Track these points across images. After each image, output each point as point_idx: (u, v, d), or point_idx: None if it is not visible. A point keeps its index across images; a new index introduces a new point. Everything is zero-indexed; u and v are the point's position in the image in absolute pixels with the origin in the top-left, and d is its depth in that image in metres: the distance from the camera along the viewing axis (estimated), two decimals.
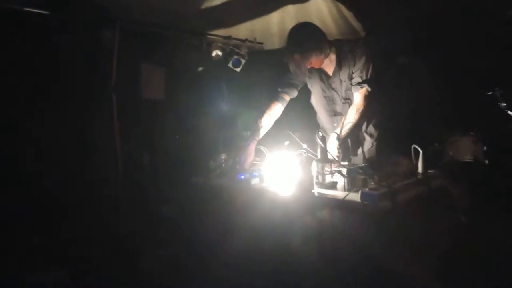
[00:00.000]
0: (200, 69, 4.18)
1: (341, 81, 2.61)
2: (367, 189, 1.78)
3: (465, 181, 3.03)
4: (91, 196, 3.22)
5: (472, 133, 3.28)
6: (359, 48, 2.53)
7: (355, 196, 1.79)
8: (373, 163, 2.48)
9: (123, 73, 3.47)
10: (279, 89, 2.74)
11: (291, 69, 2.59)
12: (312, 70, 2.68)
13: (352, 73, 2.54)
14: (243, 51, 4.34)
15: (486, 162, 3.23)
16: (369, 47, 2.56)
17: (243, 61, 4.32)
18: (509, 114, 3.09)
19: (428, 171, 2.14)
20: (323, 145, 2.11)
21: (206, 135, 3.72)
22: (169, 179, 3.46)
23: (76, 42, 3.25)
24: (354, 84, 2.53)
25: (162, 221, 2.98)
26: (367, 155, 2.66)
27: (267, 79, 4.06)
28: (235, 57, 4.29)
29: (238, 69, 4.33)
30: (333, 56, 2.59)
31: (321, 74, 2.69)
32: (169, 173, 3.55)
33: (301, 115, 3.17)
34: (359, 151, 2.68)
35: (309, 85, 2.80)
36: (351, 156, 2.68)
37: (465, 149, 3.26)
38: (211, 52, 4.18)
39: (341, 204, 1.82)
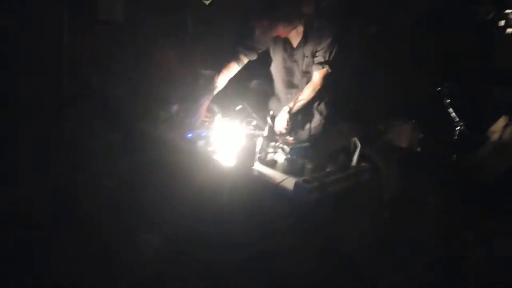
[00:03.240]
0: None
1: (304, 55, 2.59)
2: (301, 179, 1.91)
3: (394, 165, 3.31)
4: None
5: (414, 121, 3.50)
6: (327, 29, 2.49)
7: (290, 183, 1.93)
8: (315, 143, 2.61)
9: None
10: (239, 49, 2.63)
11: (257, 34, 2.52)
12: (276, 39, 2.61)
13: (316, 51, 2.53)
14: None
15: (418, 149, 3.51)
16: (338, 29, 2.53)
17: None
18: (449, 111, 3.30)
19: (361, 164, 2.29)
20: (272, 125, 2.18)
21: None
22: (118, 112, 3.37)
23: None
24: (316, 62, 2.54)
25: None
26: (313, 131, 2.76)
27: (234, 17, 3.88)
28: None
29: (207, 2, 4.09)
30: (300, 29, 2.54)
31: (285, 44, 2.64)
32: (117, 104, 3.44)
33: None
34: (307, 126, 2.77)
35: (271, 53, 2.75)
36: (299, 130, 2.78)
37: (403, 135, 3.50)
38: None
39: (276, 188, 1.95)
